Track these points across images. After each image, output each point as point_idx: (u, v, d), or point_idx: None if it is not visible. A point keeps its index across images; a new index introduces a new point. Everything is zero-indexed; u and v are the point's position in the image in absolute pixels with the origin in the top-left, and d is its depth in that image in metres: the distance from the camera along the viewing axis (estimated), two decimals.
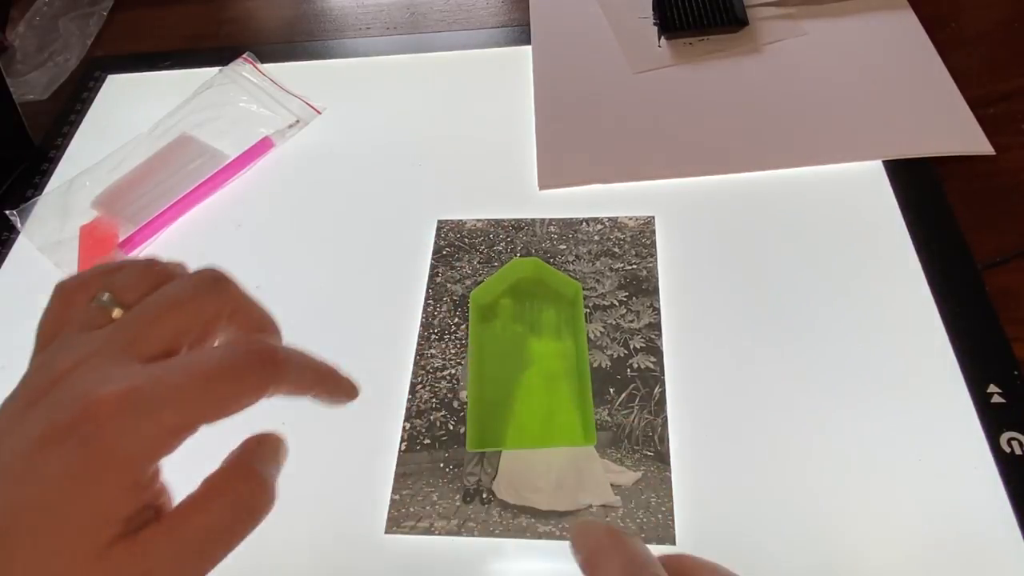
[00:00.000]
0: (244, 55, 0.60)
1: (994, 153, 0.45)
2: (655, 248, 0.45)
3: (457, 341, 0.43)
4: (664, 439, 0.38)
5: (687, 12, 0.55)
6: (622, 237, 0.46)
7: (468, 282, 0.45)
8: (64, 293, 0.23)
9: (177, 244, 0.51)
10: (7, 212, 0.54)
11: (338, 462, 0.40)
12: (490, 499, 0.37)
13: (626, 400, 0.39)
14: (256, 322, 0.23)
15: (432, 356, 0.43)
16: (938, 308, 0.40)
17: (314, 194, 0.52)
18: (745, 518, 0.35)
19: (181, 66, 0.63)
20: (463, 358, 0.42)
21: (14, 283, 0.51)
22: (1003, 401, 0.37)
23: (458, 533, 0.37)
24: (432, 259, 0.47)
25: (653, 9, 0.57)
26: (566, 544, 0.36)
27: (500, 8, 0.62)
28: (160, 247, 0.51)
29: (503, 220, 0.48)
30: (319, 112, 0.56)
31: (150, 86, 0.62)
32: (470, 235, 0.48)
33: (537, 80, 0.55)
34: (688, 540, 0.35)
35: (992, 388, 0.37)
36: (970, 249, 0.42)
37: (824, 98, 0.50)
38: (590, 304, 0.43)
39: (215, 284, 0.22)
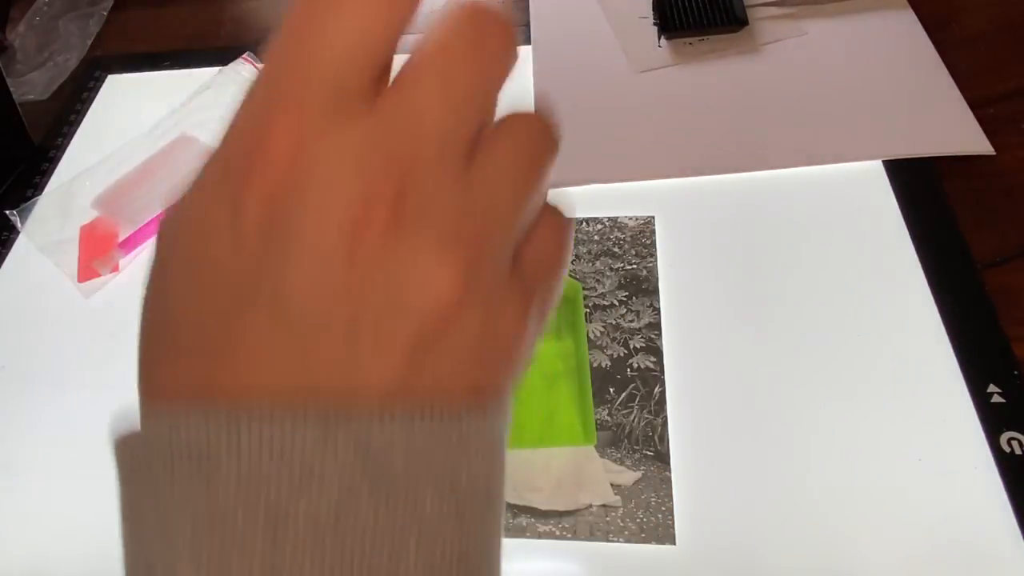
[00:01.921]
0: (244, 55, 0.60)
1: (994, 153, 0.45)
2: (655, 248, 0.45)
3: None
4: (664, 439, 0.38)
5: (687, 12, 0.55)
6: (622, 237, 0.46)
7: None
8: None
9: None
10: (7, 212, 0.54)
11: None
12: None
13: (626, 400, 0.39)
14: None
15: None
16: (938, 308, 0.40)
17: None
18: (745, 518, 0.35)
19: (181, 66, 0.63)
20: None
21: (14, 283, 0.51)
22: (1003, 401, 0.37)
23: None
24: None
25: (653, 9, 0.57)
26: (566, 544, 0.36)
27: (500, 8, 0.62)
28: None
29: None
30: None
31: (150, 86, 0.62)
32: None
33: (537, 80, 0.55)
34: (688, 540, 0.35)
35: (992, 388, 0.37)
36: (970, 249, 0.42)
37: (824, 98, 0.50)
38: (590, 304, 0.43)
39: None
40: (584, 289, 0.44)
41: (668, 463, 0.37)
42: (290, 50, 0.14)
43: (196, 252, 0.15)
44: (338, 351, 0.14)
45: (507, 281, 0.16)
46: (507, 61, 0.16)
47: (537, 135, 0.17)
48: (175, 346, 0.15)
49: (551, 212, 0.18)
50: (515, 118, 0.17)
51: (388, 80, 0.15)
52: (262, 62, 0.15)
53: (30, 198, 0.55)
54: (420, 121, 0.14)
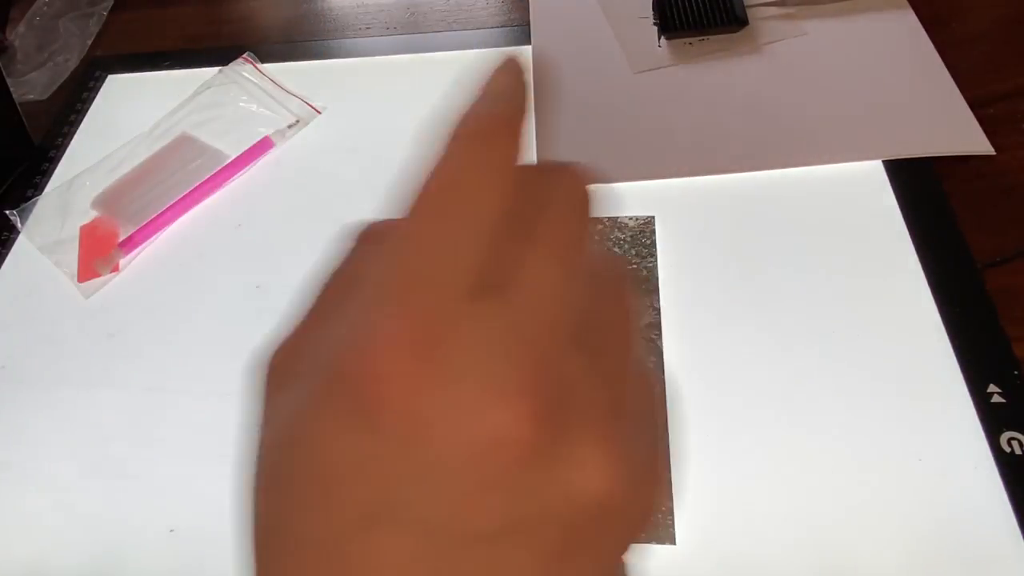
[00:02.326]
0: (244, 55, 0.60)
1: (994, 153, 0.45)
2: (655, 248, 0.45)
3: None
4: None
5: (687, 12, 0.55)
6: (622, 237, 0.46)
7: None
8: None
9: (177, 244, 0.51)
10: (7, 212, 0.54)
11: None
12: None
13: None
14: None
15: None
16: (938, 308, 0.40)
17: (314, 194, 0.52)
18: (745, 518, 0.35)
19: (181, 66, 0.63)
20: None
21: (14, 283, 0.51)
22: (1003, 401, 0.37)
23: None
24: None
25: (653, 9, 0.57)
26: None
27: (500, 8, 0.62)
28: (160, 247, 0.51)
29: None
30: (319, 112, 0.56)
31: (150, 86, 0.62)
32: None
33: (537, 80, 0.55)
34: (688, 540, 0.35)
35: (992, 388, 0.37)
36: (970, 249, 0.42)
37: (824, 98, 0.50)
38: None
39: None
40: None
41: (668, 463, 0.37)
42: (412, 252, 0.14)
43: (321, 464, 0.14)
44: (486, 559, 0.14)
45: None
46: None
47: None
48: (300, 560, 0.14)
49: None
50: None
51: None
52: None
53: (30, 198, 0.55)
54: (544, 311, 0.14)
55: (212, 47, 0.63)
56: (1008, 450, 0.35)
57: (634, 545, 0.16)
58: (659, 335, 0.41)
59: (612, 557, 0.16)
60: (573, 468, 0.14)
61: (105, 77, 0.64)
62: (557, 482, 0.14)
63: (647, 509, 0.16)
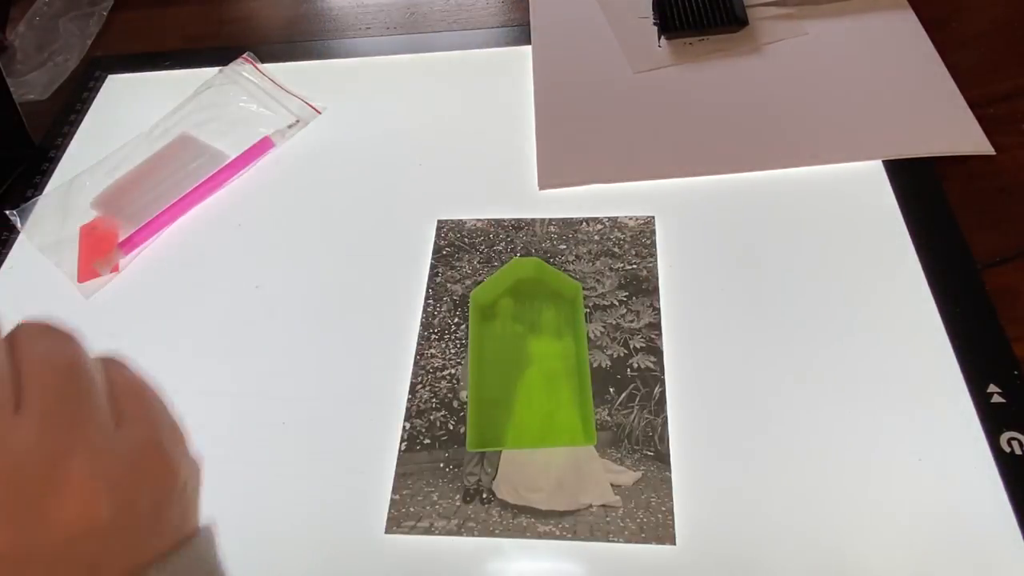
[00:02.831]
0: (244, 55, 0.60)
1: (994, 153, 0.45)
2: (655, 248, 0.45)
3: (457, 341, 0.43)
4: (664, 439, 0.38)
5: (687, 12, 0.55)
6: (622, 237, 0.46)
7: (468, 282, 0.45)
8: None
9: (177, 244, 0.51)
10: (7, 212, 0.54)
11: (338, 462, 0.40)
12: (490, 499, 0.37)
13: (626, 400, 0.39)
14: None
15: (432, 356, 0.43)
16: (938, 308, 0.40)
17: (314, 194, 0.52)
18: (745, 518, 0.35)
19: (181, 66, 0.63)
20: (463, 358, 0.42)
21: (14, 283, 0.51)
22: (1003, 401, 0.37)
23: (458, 533, 0.37)
24: (432, 259, 0.47)
25: (653, 9, 0.57)
26: (566, 544, 0.36)
27: (500, 8, 0.62)
28: (160, 247, 0.51)
29: (503, 220, 0.48)
30: (319, 112, 0.56)
31: (150, 86, 0.62)
32: (470, 235, 0.48)
33: (537, 80, 0.55)
34: (688, 540, 0.35)
35: (992, 388, 0.37)
36: (970, 249, 0.42)
37: (824, 98, 0.50)
38: (590, 304, 0.43)
39: None
40: (584, 289, 0.44)
41: (668, 463, 0.37)
42: None
43: None
44: None
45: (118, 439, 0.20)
46: None
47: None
48: None
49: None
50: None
51: None
52: None
53: (30, 198, 0.55)
54: None
55: (212, 47, 0.63)
56: (1008, 450, 0.35)
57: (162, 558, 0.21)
58: (659, 335, 0.41)
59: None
60: (54, 506, 0.18)
61: (105, 77, 0.64)
62: (49, 521, 0.18)
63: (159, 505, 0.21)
